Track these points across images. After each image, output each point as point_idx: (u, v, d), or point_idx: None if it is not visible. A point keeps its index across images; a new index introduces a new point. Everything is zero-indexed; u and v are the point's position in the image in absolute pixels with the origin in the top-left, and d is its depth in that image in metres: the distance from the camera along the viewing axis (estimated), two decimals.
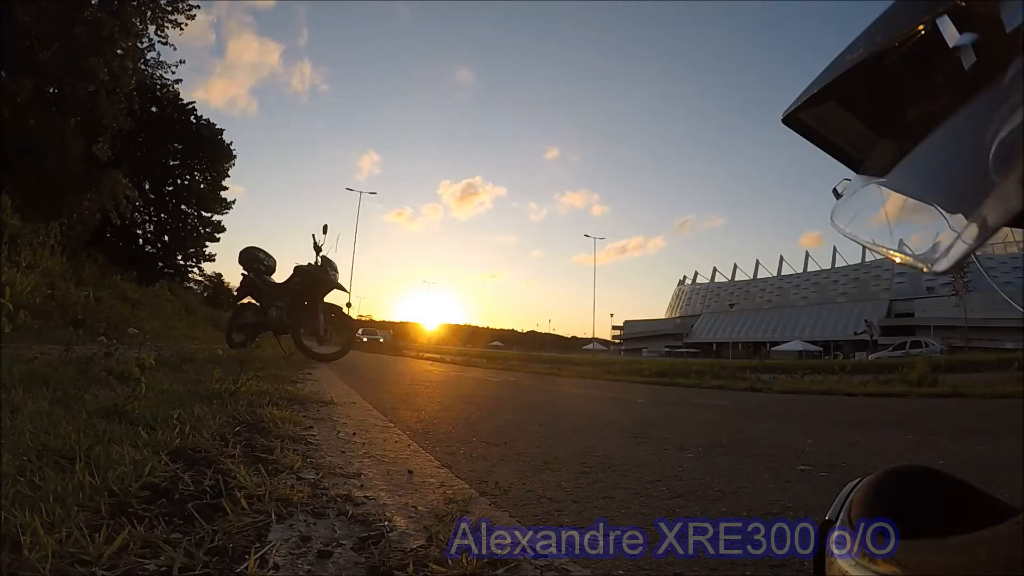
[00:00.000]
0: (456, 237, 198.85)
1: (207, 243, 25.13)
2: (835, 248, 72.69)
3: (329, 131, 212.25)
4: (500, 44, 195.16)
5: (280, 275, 8.11)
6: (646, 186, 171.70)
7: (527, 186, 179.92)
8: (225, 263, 52.64)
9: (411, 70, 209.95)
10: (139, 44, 15.27)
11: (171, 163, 23.12)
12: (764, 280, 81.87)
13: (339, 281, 7.75)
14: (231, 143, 24.33)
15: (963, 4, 0.35)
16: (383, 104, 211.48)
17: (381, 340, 34.43)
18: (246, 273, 7.88)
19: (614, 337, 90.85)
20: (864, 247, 0.51)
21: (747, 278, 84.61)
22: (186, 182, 23.80)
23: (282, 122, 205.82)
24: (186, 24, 15.62)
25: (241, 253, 8.00)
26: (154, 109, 20.89)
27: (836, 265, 72.97)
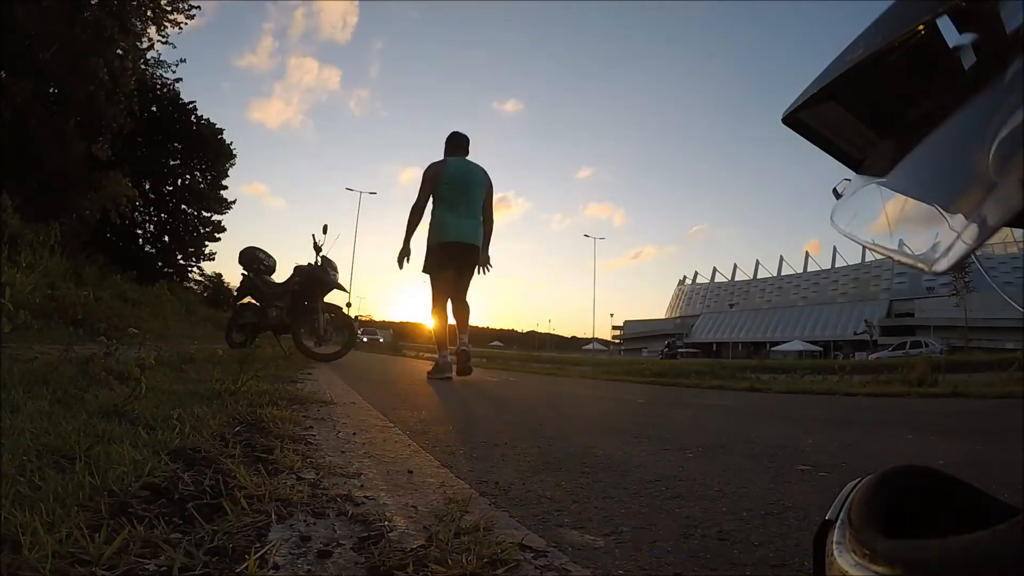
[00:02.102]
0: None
1: (207, 243, 25.16)
2: (835, 248, 72.72)
3: (377, 148, 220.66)
4: (548, 79, 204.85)
5: (280, 275, 8.13)
6: (665, 197, 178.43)
7: (556, 200, 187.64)
8: (225, 263, 52.86)
9: (465, 100, 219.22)
10: (139, 44, 15.26)
11: (171, 163, 23.12)
12: (764, 280, 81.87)
13: (339, 281, 7.76)
14: (231, 143, 24.38)
15: (963, 4, 0.35)
16: (433, 127, 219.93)
17: (381, 340, 34.42)
18: (246, 273, 7.89)
19: (614, 337, 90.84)
20: (864, 247, 0.51)
21: (747, 278, 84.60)
22: (186, 182, 23.81)
23: (334, 139, 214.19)
24: (185, 23, 15.64)
25: (241, 253, 8.01)
26: (154, 109, 20.89)
27: (836, 265, 72.96)
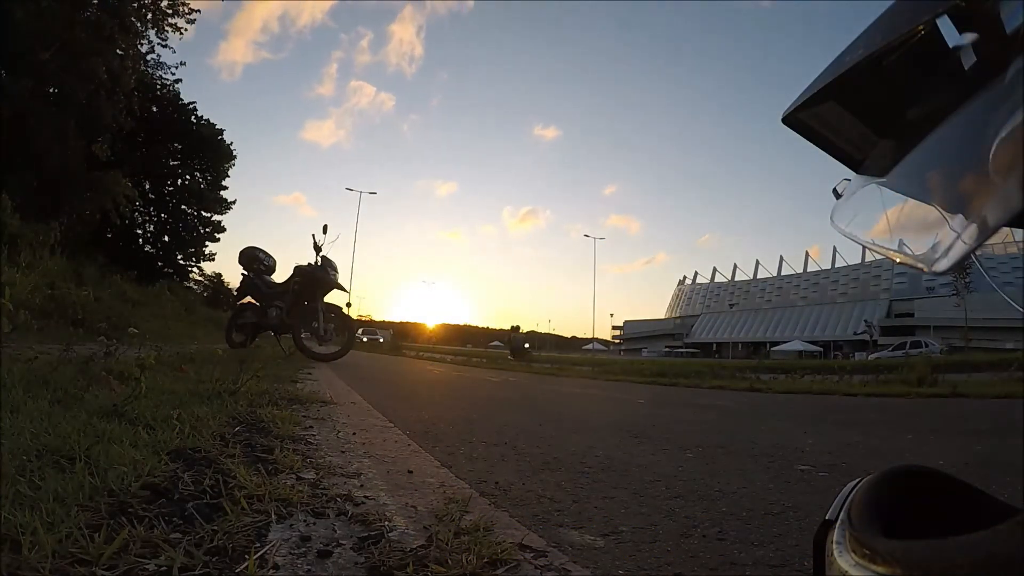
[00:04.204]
0: (499, 251, 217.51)
1: (207, 243, 25.15)
2: (835, 248, 72.67)
3: (418, 165, 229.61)
4: (584, 108, 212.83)
5: (280, 275, 8.14)
6: (679, 209, 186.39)
7: (580, 212, 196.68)
8: (225, 263, 52.79)
9: (508, 126, 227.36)
10: (139, 45, 15.26)
11: (171, 163, 23.11)
12: (764, 280, 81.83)
13: (339, 281, 7.76)
14: (231, 143, 24.36)
15: (963, 4, 0.35)
16: (474, 148, 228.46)
17: (381, 340, 34.29)
18: (246, 273, 7.88)
19: (614, 337, 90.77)
20: (864, 247, 0.51)
21: (747, 278, 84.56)
22: (186, 182, 23.79)
23: (378, 157, 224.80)
24: (186, 28, 15.64)
25: (241, 253, 8.00)
26: (154, 109, 20.88)
27: (836, 265, 72.92)
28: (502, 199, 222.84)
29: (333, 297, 7.79)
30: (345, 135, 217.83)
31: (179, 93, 21.86)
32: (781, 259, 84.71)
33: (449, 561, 0.92)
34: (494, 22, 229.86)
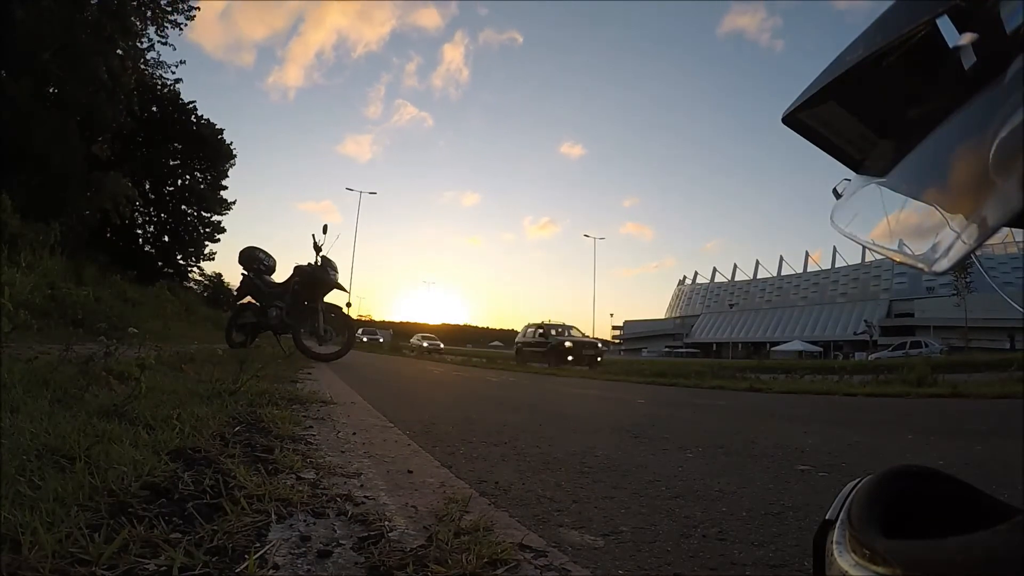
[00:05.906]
0: (513, 256, 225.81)
1: (207, 243, 25.17)
2: (835, 248, 72.63)
3: (445, 176, 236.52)
4: (611, 127, 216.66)
5: (280, 275, 8.14)
6: (688, 218, 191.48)
7: (597, 221, 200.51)
8: (225, 263, 52.74)
9: (536, 144, 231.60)
10: (139, 44, 15.27)
11: (171, 163, 23.13)
12: (764, 280, 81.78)
13: (339, 281, 7.77)
14: (231, 143, 24.37)
15: (963, 4, 0.35)
16: (502, 163, 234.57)
17: (381, 340, 34.19)
18: (246, 273, 7.89)
19: (614, 337, 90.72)
20: (864, 247, 0.51)
21: (747, 278, 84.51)
22: (186, 182, 23.81)
23: (410, 167, 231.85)
24: (186, 24, 15.66)
25: (241, 253, 8.00)
26: (154, 109, 20.89)
27: (836, 265, 72.88)
28: (523, 209, 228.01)
29: (333, 297, 7.80)
30: (381, 149, 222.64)
31: (179, 93, 21.86)
32: (781, 259, 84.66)
33: (449, 561, 0.92)
34: (538, 53, 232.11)
